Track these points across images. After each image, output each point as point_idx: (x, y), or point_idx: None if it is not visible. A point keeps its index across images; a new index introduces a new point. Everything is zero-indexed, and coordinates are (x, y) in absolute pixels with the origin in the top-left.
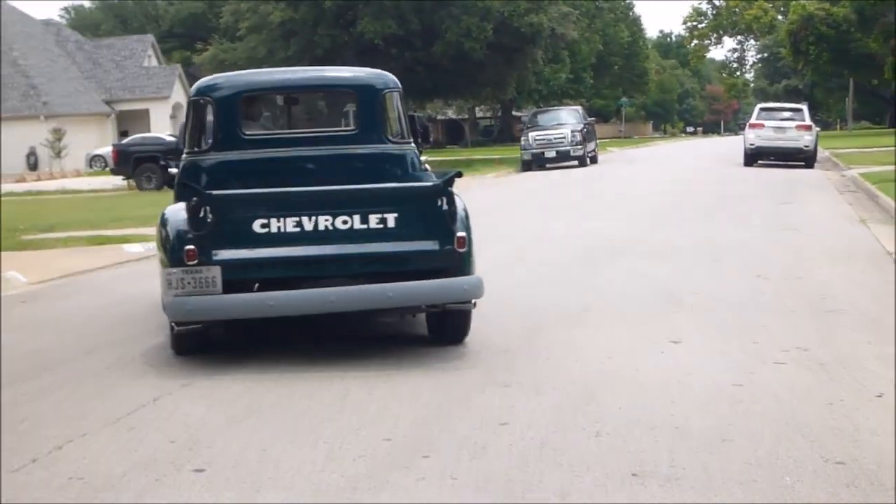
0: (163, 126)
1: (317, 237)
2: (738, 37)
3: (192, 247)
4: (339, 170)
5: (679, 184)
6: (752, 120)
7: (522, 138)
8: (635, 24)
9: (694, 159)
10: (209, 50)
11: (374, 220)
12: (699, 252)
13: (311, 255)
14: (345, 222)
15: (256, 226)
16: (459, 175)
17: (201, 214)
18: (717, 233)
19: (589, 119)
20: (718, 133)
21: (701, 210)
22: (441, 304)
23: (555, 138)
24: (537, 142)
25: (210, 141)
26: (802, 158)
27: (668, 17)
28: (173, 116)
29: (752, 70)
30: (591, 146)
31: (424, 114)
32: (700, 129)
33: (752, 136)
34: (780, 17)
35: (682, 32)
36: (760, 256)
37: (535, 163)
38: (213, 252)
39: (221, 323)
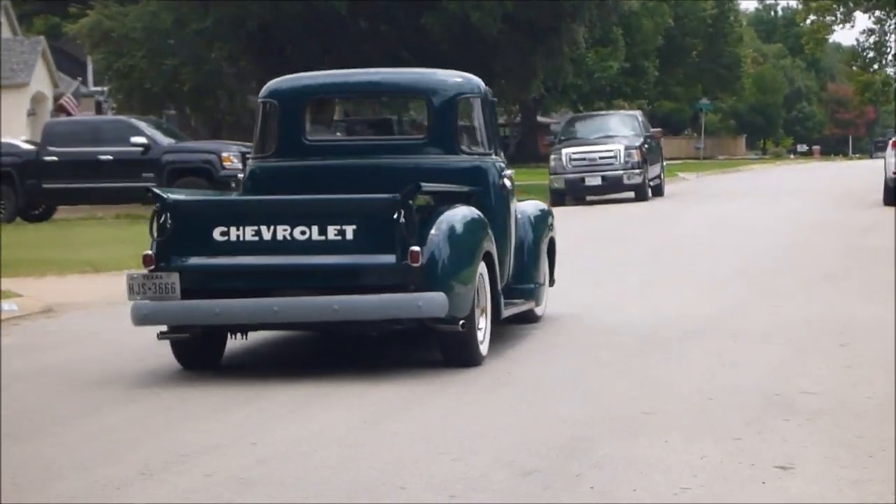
0: (18, 127)
1: (275, 247)
2: (877, 11)
3: (149, 252)
4: (402, 183)
5: (787, 233)
6: None
7: (553, 157)
8: None
9: (809, 194)
10: (89, 16)
11: (332, 231)
12: (818, 334)
13: (268, 265)
14: (303, 233)
15: (216, 234)
16: (418, 188)
17: (162, 220)
18: (845, 306)
19: (652, 130)
20: (845, 154)
21: (821, 272)
22: (407, 321)
23: (601, 158)
24: (574, 162)
25: (273, 147)
26: None
27: None
28: (32, 113)
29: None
30: (654, 171)
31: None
32: (817, 147)
33: None
34: None
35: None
36: None
37: (571, 193)
38: (173, 258)
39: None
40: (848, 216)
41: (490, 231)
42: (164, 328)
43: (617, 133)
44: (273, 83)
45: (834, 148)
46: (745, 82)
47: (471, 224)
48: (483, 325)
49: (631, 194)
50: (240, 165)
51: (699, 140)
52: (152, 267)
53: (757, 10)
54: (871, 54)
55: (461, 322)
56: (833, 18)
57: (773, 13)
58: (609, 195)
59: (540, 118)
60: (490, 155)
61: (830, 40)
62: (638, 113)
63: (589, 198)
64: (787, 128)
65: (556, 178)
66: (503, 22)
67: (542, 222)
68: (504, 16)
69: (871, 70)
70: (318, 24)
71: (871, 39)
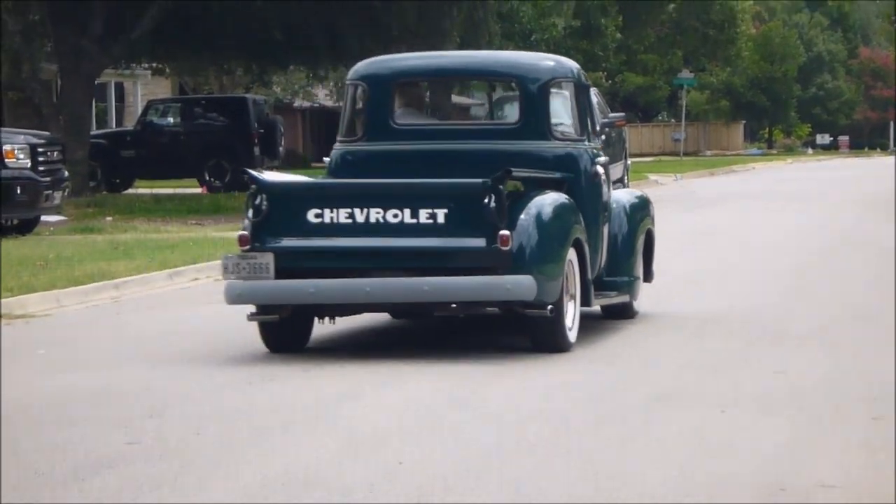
0: None
1: (368, 229)
2: None
3: (245, 233)
4: (493, 169)
5: (798, 255)
6: None
7: None
8: None
9: (831, 203)
10: None
11: (423, 214)
12: (841, 402)
13: (361, 247)
14: (395, 216)
15: (310, 215)
16: (509, 173)
17: (258, 202)
18: (880, 361)
19: (612, 115)
20: (884, 147)
21: (846, 312)
22: (496, 303)
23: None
24: None
25: (361, 130)
26: None
27: None
28: None
29: None
30: (615, 172)
31: (265, 96)
32: (844, 138)
33: None
34: None
35: None
36: None
37: None
38: (268, 239)
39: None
40: (884, 234)
41: (581, 218)
42: (253, 310)
43: (561, 119)
44: (361, 65)
45: (868, 139)
46: (744, 47)
47: (560, 209)
48: (572, 311)
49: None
50: (28, 163)
51: (679, 129)
52: (247, 247)
53: None
54: None
55: (549, 307)
56: None
57: None
58: None
59: (456, 98)
60: (583, 141)
61: None
62: (593, 90)
63: None
64: (804, 111)
65: None
66: None
67: (638, 212)
68: None
69: None
70: None
71: None
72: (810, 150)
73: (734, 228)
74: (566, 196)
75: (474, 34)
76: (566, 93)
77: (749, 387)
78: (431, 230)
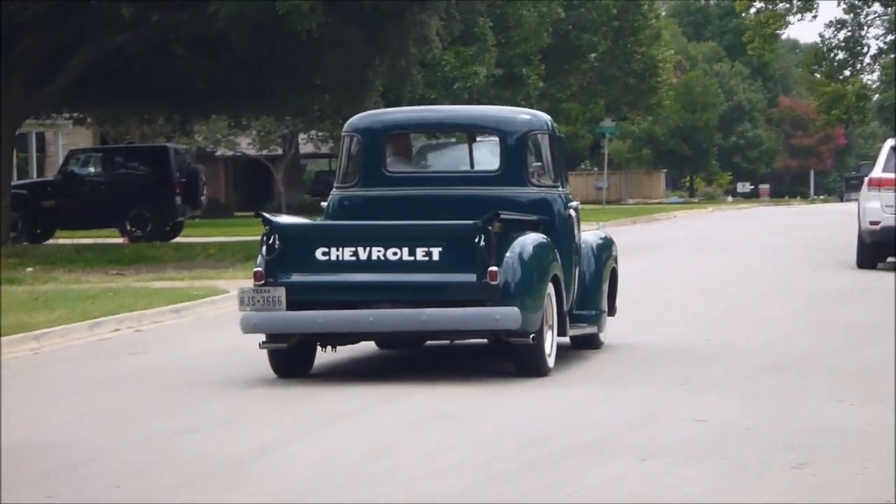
0: None
1: (370, 266)
2: None
3: (259, 269)
4: (478, 212)
5: (720, 303)
6: (877, 172)
7: None
8: None
9: (753, 250)
10: None
11: (420, 252)
12: (765, 450)
13: (364, 282)
14: (395, 253)
15: (318, 253)
16: (497, 216)
17: (271, 241)
18: (805, 409)
19: (534, 165)
20: (804, 196)
21: (768, 361)
22: (484, 333)
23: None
24: None
25: (356, 177)
26: None
27: None
28: None
29: (876, 66)
30: None
31: (187, 145)
32: (765, 187)
33: (877, 207)
34: None
35: None
36: None
37: None
38: (280, 275)
39: (303, 342)
40: (809, 281)
41: (558, 256)
42: (263, 339)
43: (486, 167)
44: (355, 119)
45: (789, 187)
46: (665, 96)
47: (541, 249)
48: (550, 340)
49: None
50: None
51: (601, 177)
52: (261, 282)
53: None
54: (842, 55)
55: (532, 335)
56: (787, 6)
57: (702, 0)
58: None
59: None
60: (557, 187)
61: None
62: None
63: None
64: (725, 159)
65: None
66: (325, 11)
67: (604, 251)
68: (328, 3)
69: (841, 78)
70: (57, 8)
71: (842, 35)
72: (731, 199)
73: (658, 275)
74: (545, 236)
75: (398, 83)
76: (541, 143)
77: (671, 435)
78: (427, 266)
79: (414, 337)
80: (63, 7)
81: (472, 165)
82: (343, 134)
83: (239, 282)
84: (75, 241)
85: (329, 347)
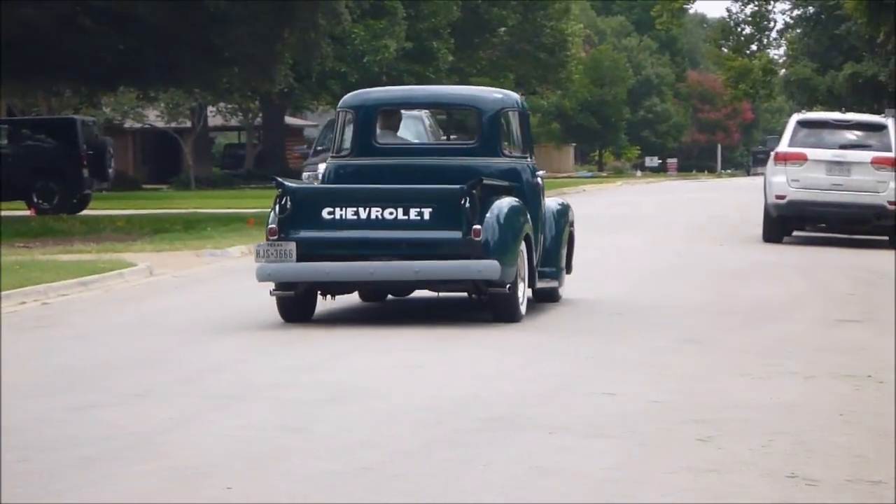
0: None
1: (370, 224)
2: None
3: (273, 226)
4: (456, 179)
5: (626, 281)
6: (783, 146)
7: (306, 174)
8: None
9: (660, 226)
10: None
11: (413, 212)
12: (670, 424)
13: (364, 238)
14: (391, 213)
15: (324, 213)
16: (480, 181)
17: (283, 202)
18: (709, 383)
19: (444, 138)
20: (712, 170)
21: (675, 336)
22: (467, 283)
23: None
24: None
25: (350, 148)
26: (886, 228)
27: None
28: None
29: (782, 41)
30: None
31: (94, 117)
32: (673, 161)
33: (783, 181)
34: None
35: None
36: None
37: None
38: (291, 231)
39: (308, 291)
40: (715, 256)
41: (529, 218)
42: (273, 287)
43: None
44: (348, 97)
45: (697, 161)
46: (574, 70)
47: (516, 211)
48: (522, 290)
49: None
50: None
51: None
52: (275, 237)
53: None
54: (748, 30)
55: (508, 286)
56: None
57: None
58: None
59: (289, 119)
60: (525, 158)
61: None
62: (425, 113)
63: None
64: (633, 133)
65: None
66: None
67: (562, 216)
68: None
69: (748, 52)
70: None
71: (749, 9)
72: (639, 173)
73: None
74: (518, 200)
75: (307, 56)
76: (512, 120)
77: (578, 409)
78: (419, 225)
79: (406, 286)
80: None
81: (454, 138)
82: (337, 110)
83: (148, 254)
84: None
85: (329, 296)
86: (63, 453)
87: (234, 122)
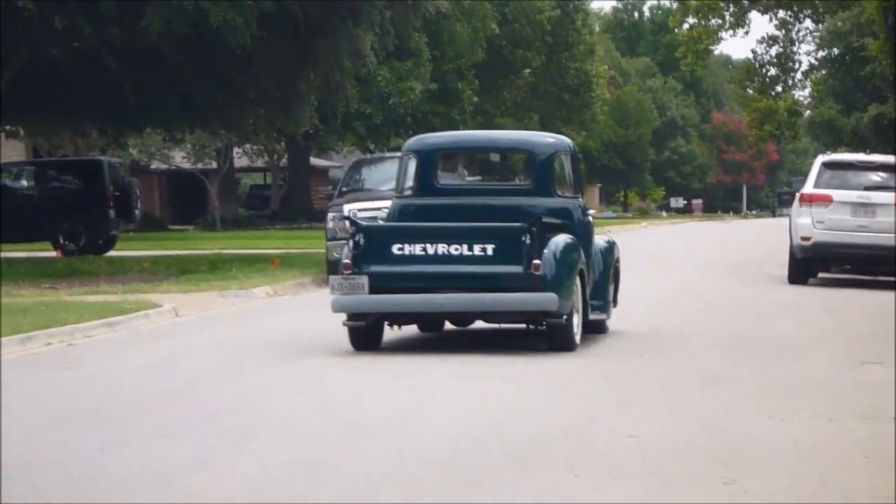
0: None
1: (436, 259)
2: (780, 11)
3: (347, 261)
4: (511, 217)
5: (652, 318)
6: (808, 188)
7: (331, 215)
8: None
9: (685, 265)
10: None
11: (477, 248)
12: (693, 465)
13: (431, 272)
14: (456, 249)
15: (394, 249)
16: (540, 220)
17: (356, 239)
18: (732, 423)
19: (469, 179)
20: (737, 211)
21: (698, 374)
22: (526, 314)
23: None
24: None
25: (413, 188)
26: None
27: None
28: None
29: (807, 82)
30: None
31: (120, 158)
32: (698, 202)
33: (808, 223)
34: None
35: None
36: None
37: None
38: (364, 265)
39: (377, 321)
40: (740, 296)
41: (582, 254)
42: (344, 318)
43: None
44: (412, 141)
45: (722, 202)
46: (599, 111)
47: (571, 247)
48: (577, 321)
49: None
50: None
51: None
52: (349, 271)
53: (615, 10)
54: (773, 71)
55: (565, 317)
56: (720, 22)
57: (636, 15)
58: None
59: (314, 160)
60: (576, 198)
61: (716, 52)
62: None
63: None
64: (658, 174)
65: (337, 246)
66: (259, 25)
67: (609, 253)
68: (261, 16)
69: (773, 93)
70: None
71: (774, 51)
72: (665, 214)
73: None
74: (572, 237)
75: (332, 97)
76: (567, 162)
77: (602, 449)
78: (483, 260)
79: (470, 317)
80: None
81: (510, 179)
82: (401, 154)
83: (173, 295)
84: (8, 254)
85: (396, 327)
86: (85, 493)
87: (259, 163)
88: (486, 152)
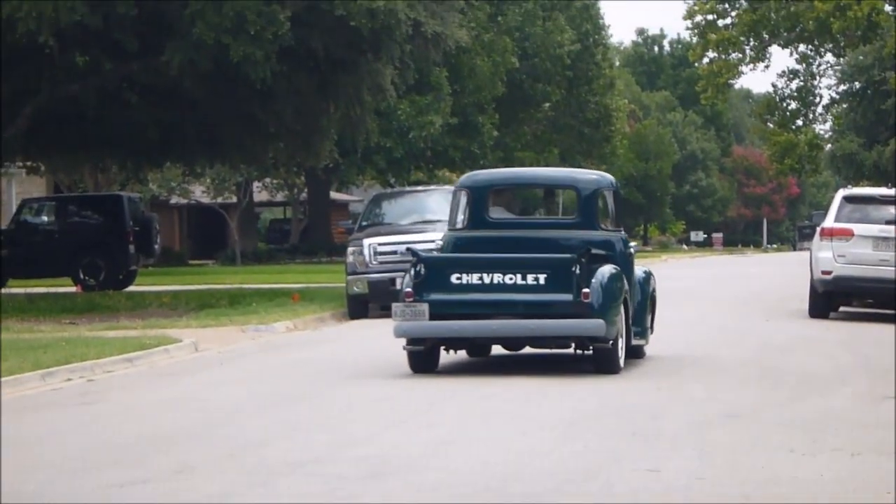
0: None
1: (492, 287)
2: (801, 45)
3: (409, 289)
4: (557, 249)
5: (670, 357)
6: (829, 222)
7: (351, 249)
8: (587, 16)
9: (705, 300)
10: None
11: (530, 278)
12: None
13: (487, 300)
14: (510, 278)
15: (453, 278)
16: (589, 251)
17: (417, 269)
18: (755, 460)
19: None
20: (757, 244)
21: (719, 409)
22: (576, 339)
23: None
24: (381, 258)
25: (465, 222)
26: None
27: (653, 8)
28: None
29: (828, 116)
30: None
31: (140, 193)
32: (718, 235)
33: (829, 256)
34: (889, 8)
35: (686, 35)
36: None
37: (377, 300)
38: (424, 293)
39: (434, 346)
40: (761, 330)
41: (625, 283)
42: (404, 342)
43: (441, 216)
44: (464, 178)
45: (742, 236)
46: (619, 145)
47: (616, 276)
48: (621, 346)
49: None
50: None
51: None
52: (410, 299)
53: (635, 44)
54: (794, 105)
55: (611, 342)
56: (740, 56)
57: (656, 49)
58: None
59: (334, 194)
60: (619, 231)
61: (737, 86)
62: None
63: None
64: (678, 208)
65: (356, 280)
66: (279, 59)
67: (647, 283)
68: (281, 50)
69: (794, 127)
70: (10, 57)
71: (794, 84)
72: (685, 247)
73: None
74: (617, 267)
75: (352, 131)
76: (609, 197)
77: (623, 486)
78: (535, 288)
79: (522, 342)
80: (16, 56)
81: (556, 213)
82: (455, 189)
83: (193, 330)
84: (28, 290)
85: (452, 351)
86: None
87: (279, 197)
88: (533, 188)
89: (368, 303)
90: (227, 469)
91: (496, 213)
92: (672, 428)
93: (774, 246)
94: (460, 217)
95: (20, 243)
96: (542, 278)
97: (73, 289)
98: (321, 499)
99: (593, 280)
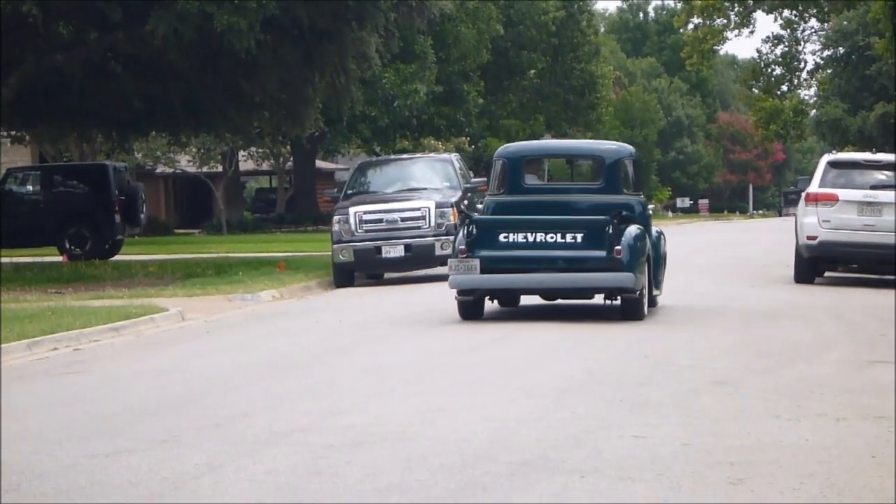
0: None
1: (535, 245)
2: (786, 11)
3: (463, 247)
4: (586, 211)
5: (656, 330)
6: (814, 187)
7: (336, 218)
8: None
9: (692, 267)
10: None
11: (568, 237)
12: (701, 467)
13: (530, 256)
14: (551, 237)
15: (500, 237)
16: (620, 213)
17: (469, 228)
18: (739, 425)
19: (475, 180)
20: (743, 210)
21: (706, 377)
22: (608, 290)
23: (403, 220)
24: (367, 226)
25: (504, 188)
26: None
27: None
28: None
29: (813, 81)
30: None
31: (126, 163)
32: (704, 202)
33: (814, 222)
34: None
35: (671, 1)
36: None
37: (363, 268)
38: (476, 251)
39: (481, 296)
40: (747, 297)
41: (648, 241)
42: (455, 293)
43: (426, 184)
44: (501, 149)
45: (728, 202)
46: (605, 112)
47: (641, 235)
48: (645, 296)
49: (445, 269)
50: None
51: None
52: (464, 255)
53: (620, 11)
54: (779, 71)
55: (638, 293)
56: (725, 22)
57: (641, 16)
58: (415, 271)
59: (319, 163)
60: (638, 195)
61: (722, 52)
62: (455, 156)
63: (388, 274)
64: (664, 174)
65: (342, 248)
66: (265, 30)
67: (660, 241)
68: (266, 20)
69: (779, 93)
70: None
71: (779, 50)
72: (670, 214)
73: None
74: (641, 227)
75: (337, 100)
76: (629, 166)
77: (609, 452)
78: (573, 246)
79: (561, 293)
80: (1, 27)
81: (585, 180)
82: (494, 159)
83: (179, 299)
84: (14, 259)
85: (496, 301)
86: (92, 500)
87: (265, 166)
88: (563, 158)
89: (354, 271)
90: (212, 438)
91: (530, 179)
92: (658, 395)
93: (760, 212)
94: (499, 183)
95: (5, 213)
96: (579, 237)
97: (59, 258)
98: (307, 468)
99: (622, 238)
